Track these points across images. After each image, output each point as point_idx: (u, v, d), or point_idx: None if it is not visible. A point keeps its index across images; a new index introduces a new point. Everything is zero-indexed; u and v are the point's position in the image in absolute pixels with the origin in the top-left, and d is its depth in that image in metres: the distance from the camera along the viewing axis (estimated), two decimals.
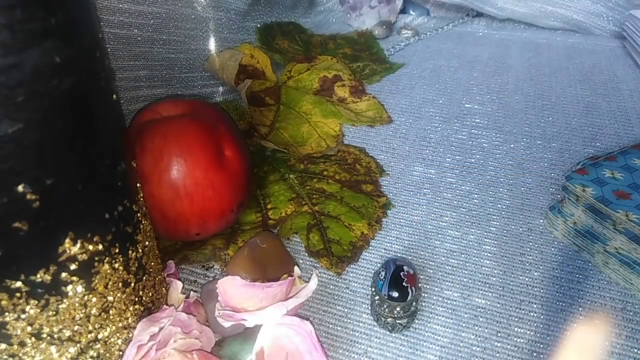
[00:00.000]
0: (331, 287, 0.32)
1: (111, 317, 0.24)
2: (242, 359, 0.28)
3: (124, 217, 0.24)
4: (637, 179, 0.34)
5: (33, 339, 0.22)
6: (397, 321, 0.29)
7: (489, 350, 0.29)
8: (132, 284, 0.25)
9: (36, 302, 0.21)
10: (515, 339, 0.29)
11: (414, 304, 0.29)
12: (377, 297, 0.29)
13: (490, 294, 0.31)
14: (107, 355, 0.25)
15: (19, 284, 0.20)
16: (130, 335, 0.26)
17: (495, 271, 0.33)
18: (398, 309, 0.29)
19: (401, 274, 0.29)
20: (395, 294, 0.28)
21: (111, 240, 0.23)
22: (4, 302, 0.21)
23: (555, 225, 0.35)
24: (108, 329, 0.24)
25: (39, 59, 0.18)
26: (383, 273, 0.29)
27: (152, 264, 0.27)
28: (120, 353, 0.25)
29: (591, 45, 0.59)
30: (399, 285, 0.29)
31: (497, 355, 0.28)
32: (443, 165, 0.42)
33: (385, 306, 0.29)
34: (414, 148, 0.44)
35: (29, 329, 0.22)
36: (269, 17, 0.57)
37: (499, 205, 0.38)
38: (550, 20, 0.61)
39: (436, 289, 0.32)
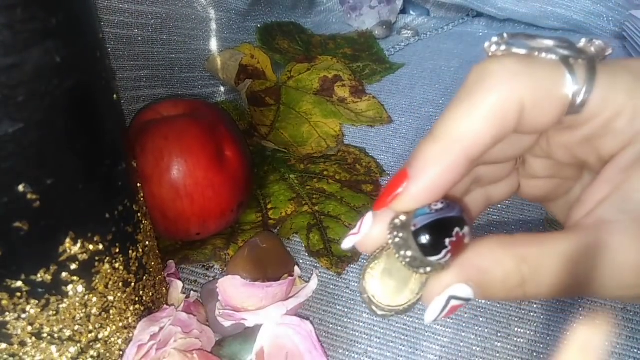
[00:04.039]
0: (331, 287, 0.32)
1: (111, 316, 0.24)
2: (243, 358, 0.28)
3: (125, 217, 0.24)
4: None
5: (33, 338, 0.22)
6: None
7: (489, 350, 0.29)
8: (133, 284, 0.25)
9: (37, 301, 0.21)
10: (515, 338, 0.29)
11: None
12: (401, 219, 0.20)
13: None
14: (108, 355, 0.25)
15: (19, 283, 0.20)
16: (131, 335, 0.26)
17: None
18: (409, 253, 0.19)
19: (455, 230, 0.19)
20: (426, 239, 0.19)
21: (111, 240, 0.23)
22: (4, 302, 0.21)
23: (555, 225, 0.35)
24: (108, 329, 0.24)
25: (40, 58, 0.18)
26: (440, 206, 0.20)
27: (153, 263, 0.27)
28: (121, 353, 0.25)
29: None
30: (439, 238, 0.19)
31: (497, 355, 0.28)
32: None
33: (400, 235, 0.20)
34: (415, 148, 0.44)
35: (29, 328, 0.22)
36: (269, 18, 0.57)
37: (499, 205, 0.38)
38: (551, 21, 0.61)
39: None
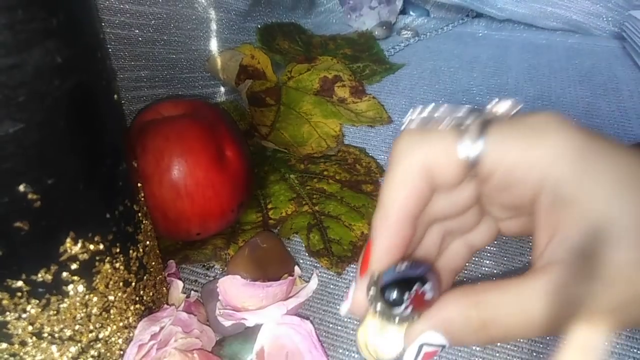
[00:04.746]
0: (331, 286, 0.32)
1: (112, 316, 0.24)
2: (243, 358, 0.28)
3: (125, 217, 0.24)
4: None
5: (34, 338, 0.22)
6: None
7: (488, 349, 0.29)
8: (133, 284, 0.25)
9: (37, 301, 0.21)
10: None
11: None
12: (376, 277, 0.23)
13: None
14: (108, 354, 0.25)
15: (20, 283, 0.20)
16: (131, 334, 0.26)
17: (495, 271, 0.33)
18: (379, 305, 0.22)
19: (415, 287, 0.22)
20: (388, 294, 0.22)
21: (112, 239, 0.23)
22: (5, 302, 0.21)
23: None
24: (109, 329, 0.24)
25: (41, 59, 0.18)
26: (403, 267, 0.23)
27: (153, 263, 0.27)
28: (121, 352, 0.25)
29: (591, 46, 0.60)
30: (399, 294, 0.22)
31: (497, 354, 0.28)
32: None
33: (372, 291, 0.23)
34: None
35: (30, 328, 0.22)
36: (270, 18, 0.57)
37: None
38: (550, 21, 0.61)
39: None
